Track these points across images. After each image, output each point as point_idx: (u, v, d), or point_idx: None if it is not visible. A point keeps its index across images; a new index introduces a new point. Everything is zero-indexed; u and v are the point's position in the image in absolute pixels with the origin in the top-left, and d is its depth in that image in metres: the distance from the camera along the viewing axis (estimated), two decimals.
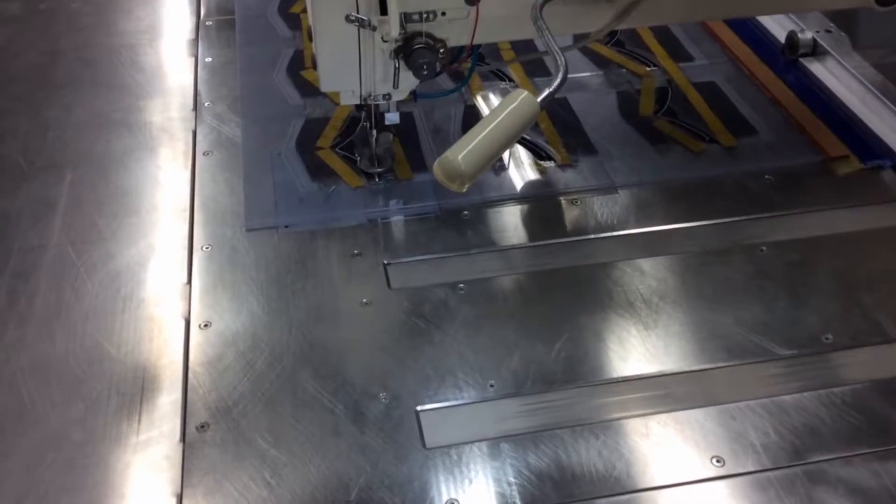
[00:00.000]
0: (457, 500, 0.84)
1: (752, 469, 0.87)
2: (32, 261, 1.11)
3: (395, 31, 0.98)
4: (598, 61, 1.47)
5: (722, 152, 1.28)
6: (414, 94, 1.14)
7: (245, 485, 0.85)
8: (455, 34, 1.03)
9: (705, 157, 1.27)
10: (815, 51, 1.43)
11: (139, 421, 0.91)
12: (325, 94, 1.34)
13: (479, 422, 0.91)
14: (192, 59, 1.49)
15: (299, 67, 1.46)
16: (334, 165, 1.25)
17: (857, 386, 0.94)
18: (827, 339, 1.00)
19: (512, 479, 0.85)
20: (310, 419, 0.91)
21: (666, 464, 0.87)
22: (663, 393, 0.94)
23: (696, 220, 1.16)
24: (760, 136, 1.30)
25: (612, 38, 1.51)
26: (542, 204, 1.19)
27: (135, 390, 0.94)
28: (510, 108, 0.83)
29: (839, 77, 1.38)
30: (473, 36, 1.02)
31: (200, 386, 0.94)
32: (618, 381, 0.95)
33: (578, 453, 0.88)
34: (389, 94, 1.11)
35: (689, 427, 0.90)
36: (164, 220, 1.18)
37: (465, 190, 0.82)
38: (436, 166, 0.83)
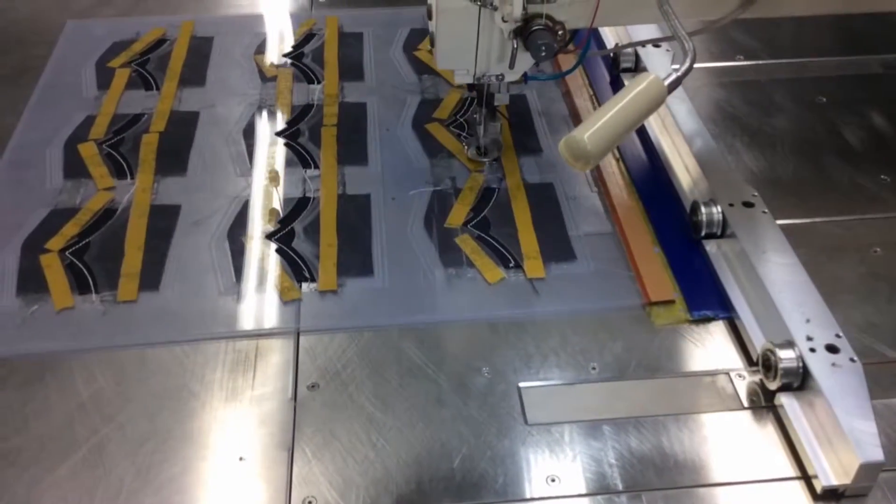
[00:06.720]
0: (558, 477, 0.85)
1: None
2: None
3: (517, 11, 0.98)
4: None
5: None
6: (525, 76, 1.15)
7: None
8: (574, 17, 1.03)
9: None
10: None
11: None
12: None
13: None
14: None
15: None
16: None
17: None
18: None
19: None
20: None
21: (770, 458, 0.87)
22: None
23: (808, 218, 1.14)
24: None
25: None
26: None
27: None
28: (637, 90, 0.84)
29: None
30: (594, 19, 1.02)
31: None
32: None
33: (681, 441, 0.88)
34: (502, 75, 1.11)
35: None
36: None
37: (587, 170, 0.82)
38: (562, 145, 0.84)
